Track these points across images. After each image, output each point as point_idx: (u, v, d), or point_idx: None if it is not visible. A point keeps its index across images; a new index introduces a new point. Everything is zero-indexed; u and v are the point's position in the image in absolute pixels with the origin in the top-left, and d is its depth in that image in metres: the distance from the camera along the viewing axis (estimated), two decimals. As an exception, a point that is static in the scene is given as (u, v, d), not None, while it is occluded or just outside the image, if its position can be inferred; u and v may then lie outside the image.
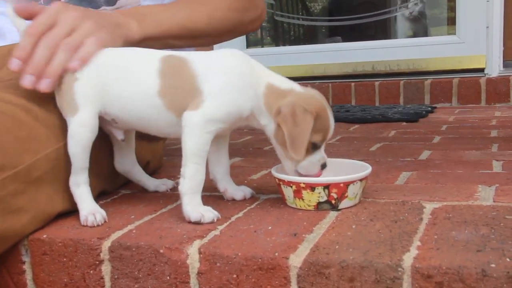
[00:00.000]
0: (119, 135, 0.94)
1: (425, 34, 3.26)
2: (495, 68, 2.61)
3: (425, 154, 1.33)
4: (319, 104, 0.85)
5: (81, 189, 0.88)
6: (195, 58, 0.86)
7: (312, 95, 0.86)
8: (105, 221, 0.86)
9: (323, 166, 0.88)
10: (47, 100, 0.91)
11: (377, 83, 2.72)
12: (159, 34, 1.04)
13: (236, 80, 0.84)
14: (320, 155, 0.87)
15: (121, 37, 0.96)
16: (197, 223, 0.83)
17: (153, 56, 0.88)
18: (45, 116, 0.90)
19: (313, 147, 0.86)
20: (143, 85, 0.85)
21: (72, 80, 0.86)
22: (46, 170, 0.86)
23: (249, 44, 3.27)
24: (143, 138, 1.02)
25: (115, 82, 0.86)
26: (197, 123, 0.83)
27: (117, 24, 0.97)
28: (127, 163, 1.01)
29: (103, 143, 0.97)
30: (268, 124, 0.87)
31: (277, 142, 0.87)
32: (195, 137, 0.83)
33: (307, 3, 4.48)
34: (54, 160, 0.88)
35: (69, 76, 0.87)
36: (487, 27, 2.62)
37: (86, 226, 0.85)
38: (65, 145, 0.88)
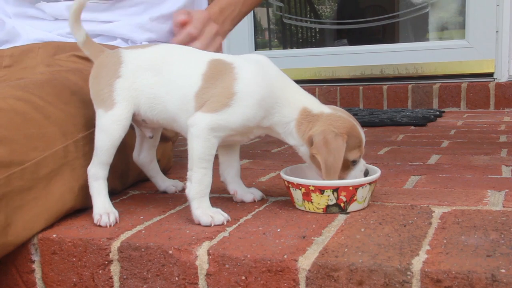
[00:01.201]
0: (147, 133, 0.96)
1: (434, 38, 3.25)
2: (504, 73, 2.60)
3: (433, 159, 1.33)
4: (348, 124, 0.86)
5: (99, 183, 0.89)
6: (239, 63, 0.86)
7: (340, 116, 0.86)
8: (117, 222, 0.87)
9: (366, 173, 0.89)
10: (58, 97, 0.92)
11: (385, 87, 2.72)
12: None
13: (264, 95, 0.84)
14: (360, 167, 0.88)
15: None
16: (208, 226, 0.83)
17: (200, 58, 0.88)
18: (56, 113, 0.91)
19: (353, 164, 0.87)
20: (185, 87, 0.86)
21: (114, 77, 0.87)
22: (54, 167, 0.87)
23: (257, 47, 3.27)
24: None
25: (155, 85, 0.87)
26: (206, 126, 0.83)
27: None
28: (147, 157, 1.02)
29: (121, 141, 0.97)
30: (299, 146, 0.88)
31: (313, 164, 0.88)
32: (202, 140, 0.83)
33: (315, 6, 4.47)
34: (62, 158, 0.88)
35: (112, 72, 0.87)
36: (497, 31, 2.61)
37: (98, 225, 0.86)
38: (74, 143, 0.89)
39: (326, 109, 0.87)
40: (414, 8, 3.25)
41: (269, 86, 0.85)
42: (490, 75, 2.63)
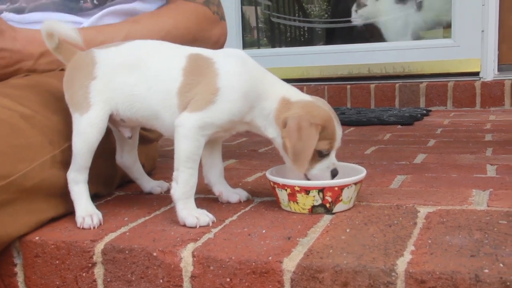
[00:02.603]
0: (126, 133, 0.94)
1: (421, 37, 3.26)
2: (490, 72, 2.62)
3: (420, 158, 1.34)
4: (325, 114, 0.84)
5: (80, 187, 0.87)
6: (219, 57, 0.85)
7: (318, 106, 0.85)
8: (100, 224, 0.86)
9: (334, 172, 0.87)
10: (45, 106, 0.90)
11: (372, 86, 2.73)
12: None
13: (247, 89, 0.83)
14: (328, 162, 0.87)
15: None
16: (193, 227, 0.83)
17: (179, 53, 0.87)
18: (43, 122, 0.89)
19: (320, 155, 0.85)
20: (165, 83, 0.84)
21: (89, 78, 0.86)
22: (41, 178, 0.85)
23: (245, 45, 3.27)
24: (137, 141, 1.02)
25: (134, 82, 0.85)
26: (194, 125, 0.82)
27: None
28: (129, 159, 1.00)
29: (103, 145, 0.96)
30: (277, 137, 0.86)
31: (287, 154, 0.86)
32: (190, 140, 0.82)
33: (304, 4, 4.47)
34: (49, 168, 0.87)
35: (86, 73, 0.86)
36: (482, 31, 2.62)
37: (82, 228, 0.85)
38: (61, 152, 0.87)
39: (306, 97, 0.86)
40: (401, 7, 3.25)
41: (251, 79, 0.84)
42: (476, 74, 2.65)
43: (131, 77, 0.85)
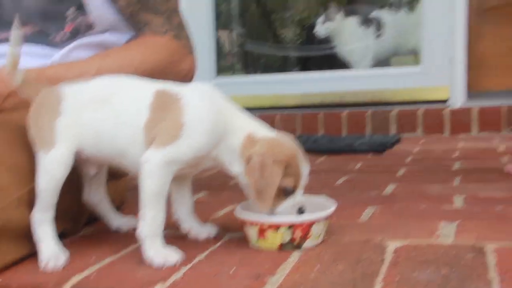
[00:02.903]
0: (92, 170, 0.93)
1: (391, 64, 3.33)
2: (458, 99, 2.67)
3: (390, 188, 1.35)
4: (289, 152, 0.84)
5: (44, 227, 0.85)
6: (185, 93, 0.85)
7: (283, 143, 0.85)
8: (66, 265, 0.84)
9: (300, 211, 0.86)
10: (13, 144, 0.89)
11: (344, 113, 2.76)
12: None
13: (213, 124, 0.83)
14: (294, 200, 0.86)
15: None
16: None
17: (146, 89, 0.86)
18: (10, 161, 0.87)
19: (285, 193, 0.85)
20: (132, 119, 0.84)
21: (55, 115, 0.85)
22: (7, 219, 0.83)
23: (219, 70, 3.28)
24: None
25: (101, 118, 0.84)
26: (160, 161, 0.81)
27: None
28: (97, 196, 0.99)
29: (70, 180, 0.95)
30: (241, 174, 0.85)
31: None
32: (156, 177, 0.81)
33: (277, 32, 4.53)
34: (15, 209, 0.85)
35: (52, 110, 0.85)
36: (451, 58, 2.68)
37: (46, 270, 0.82)
38: (28, 192, 0.86)
39: (271, 133, 0.86)
40: (375, 35, 3.32)
41: (217, 114, 0.84)
42: (445, 101, 2.70)
43: (98, 113, 0.85)
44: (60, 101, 0.86)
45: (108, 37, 1.19)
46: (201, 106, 0.84)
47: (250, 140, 0.84)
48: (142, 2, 1.14)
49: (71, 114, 0.85)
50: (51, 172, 0.84)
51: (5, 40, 1.14)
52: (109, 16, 1.17)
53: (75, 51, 1.15)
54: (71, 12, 1.13)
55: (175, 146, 0.81)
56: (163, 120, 0.83)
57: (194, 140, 0.82)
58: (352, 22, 3.32)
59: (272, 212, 0.86)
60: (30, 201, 0.87)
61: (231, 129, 0.85)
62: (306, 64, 3.64)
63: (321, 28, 3.32)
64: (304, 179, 0.86)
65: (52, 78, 0.99)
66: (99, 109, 0.85)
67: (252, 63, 3.98)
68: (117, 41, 1.19)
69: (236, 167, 0.86)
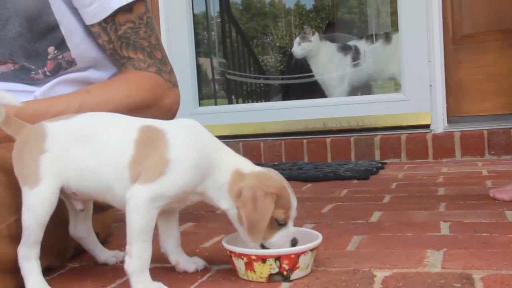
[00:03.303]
0: (78, 205, 0.92)
1: (373, 91, 3.37)
2: (439, 125, 2.71)
3: (376, 216, 1.35)
4: (279, 184, 0.85)
5: (31, 263, 0.84)
6: (170, 129, 0.85)
7: (271, 176, 0.86)
8: (51, 301, 0.83)
9: (294, 242, 0.87)
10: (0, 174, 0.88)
11: (328, 140, 2.78)
12: None
13: (198, 160, 0.83)
14: (286, 232, 0.86)
15: None
16: (148, 302, 0.81)
17: (130, 125, 0.86)
18: None
19: (277, 224, 0.85)
20: (116, 156, 0.84)
21: (39, 151, 0.84)
22: None
23: (201, 97, 3.28)
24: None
25: (85, 155, 0.84)
26: (145, 197, 0.81)
27: None
28: (82, 230, 0.98)
29: (55, 215, 0.94)
30: (230, 209, 0.86)
31: (241, 226, 0.86)
32: (142, 213, 0.81)
33: (259, 60, 4.57)
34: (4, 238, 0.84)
35: (36, 146, 0.84)
36: (430, 85, 2.73)
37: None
38: (7, 226, 0.84)
39: (258, 168, 0.87)
40: (354, 62, 3.37)
41: (202, 150, 0.85)
42: (427, 126, 2.74)
43: (82, 150, 0.85)
44: (44, 138, 0.85)
45: (90, 74, 1.19)
46: (186, 143, 0.84)
47: (238, 175, 0.85)
48: (123, 38, 1.15)
49: (55, 151, 0.84)
50: (35, 208, 0.83)
51: None
52: (90, 53, 1.18)
53: (57, 87, 1.15)
54: (51, 50, 1.13)
55: (160, 182, 0.81)
56: (148, 156, 0.83)
57: (179, 177, 0.82)
58: (329, 46, 3.37)
59: (264, 244, 0.86)
60: (11, 235, 0.86)
61: (216, 165, 0.85)
62: (288, 91, 3.67)
63: (297, 48, 3.36)
64: (293, 211, 0.87)
65: (34, 114, 0.98)
66: (82, 146, 0.85)
67: (234, 90, 4.00)
68: (99, 78, 1.19)
69: (224, 204, 0.86)
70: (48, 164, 0.84)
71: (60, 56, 1.14)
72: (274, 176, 0.86)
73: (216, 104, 3.66)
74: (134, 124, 0.87)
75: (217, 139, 0.89)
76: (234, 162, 0.87)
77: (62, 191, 0.86)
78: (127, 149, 0.84)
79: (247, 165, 0.87)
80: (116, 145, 0.84)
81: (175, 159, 0.82)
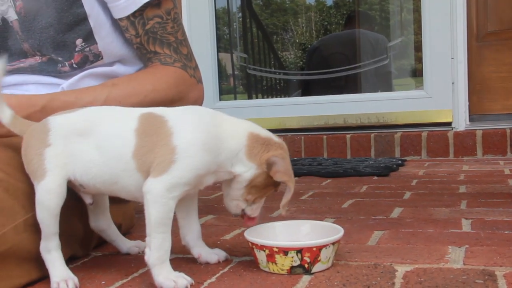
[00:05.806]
0: (87, 199, 0.93)
1: (395, 88, 3.36)
2: (461, 122, 2.69)
3: (396, 212, 1.35)
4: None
5: (52, 254, 0.86)
6: (170, 114, 0.86)
7: (283, 143, 0.91)
8: (76, 288, 0.84)
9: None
10: (17, 168, 0.89)
11: (348, 136, 2.77)
12: None
13: (205, 139, 0.84)
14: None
15: None
16: (171, 291, 0.82)
17: (130, 115, 0.87)
18: (15, 185, 0.88)
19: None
20: (118, 147, 0.85)
21: (44, 146, 0.86)
22: (14, 242, 0.84)
23: (222, 92, 3.29)
24: (113, 201, 1.01)
25: (88, 148, 0.85)
26: (161, 189, 0.81)
27: None
28: (102, 222, 0.99)
29: (77, 205, 0.95)
30: (247, 171, 0.87)
31: (248, 185, 0.88)
32: (159, 205, 0.81)
33: (279, 56, 4.57)
34: (22, 232, 0.86)
35: (40, 141, 0.86)
36: (453, 83, 2.71)
37: (57, 294, 0.83)
38: (33, 215, 0.86)
39: (271, 134, 0.91)
40: (375, 59, 3.35)
41: (206, 128, 0.85)
42: (449, 124, 2.71)
43: (85, 143, 0.85)
44: (47, 132, 0.86)
45: (116, 69, 1.20)
46: (188, 125, 0.84)
47: (256, 139, 0.87)
48: (150, 33, 1.16)
49: (58, 144, 0.85)
50: (43, 201, 0.84)
51: (16, 70, 1.16)
52: (116, 47, 1.19)
53: (84, 80, 1.16)
54: (79, 42, 1.15)
55: (173, 171, 0.82)
56: (153, 145, 0.83)
57: (190, 160, 0.82)
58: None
59: (247, 207, 0.92)
60: (37, 224, 0.87)
61: (226, 136, 0.86)
62: (308, 87, 3.66)
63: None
64: None
65: (62, 105, 1.00)
66: (84, 140, 0.85)
67: (254, 86, 4.00)
68: (125, 73, 1.20)
69: (239, 167, 0.87)
70: (52, 157, 0.85)
71: (88, 49, 1.15)
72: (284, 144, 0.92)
73: (235, 99, 3.68)
74: (134, 113, 0.87)
75: (218, 112, 0.89)
76: (244, 126, 0.88)
77: (71, 183, 0.87)
78: (129, 140, 0.84)
79: (258, 129, 0.89)
80: (118, 137, 0.85)
81: (181, 143, 0.82)
